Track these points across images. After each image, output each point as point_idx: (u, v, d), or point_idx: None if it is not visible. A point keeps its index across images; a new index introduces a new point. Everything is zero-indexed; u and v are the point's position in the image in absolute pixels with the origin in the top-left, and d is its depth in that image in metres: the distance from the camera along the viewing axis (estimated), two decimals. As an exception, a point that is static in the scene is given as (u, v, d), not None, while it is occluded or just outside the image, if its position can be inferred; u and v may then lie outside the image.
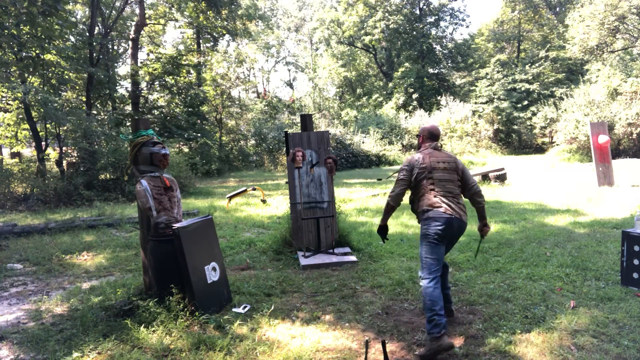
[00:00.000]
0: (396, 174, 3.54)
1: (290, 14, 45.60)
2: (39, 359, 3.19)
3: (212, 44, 24.21)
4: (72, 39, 15.17)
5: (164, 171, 4.00)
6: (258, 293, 4.36)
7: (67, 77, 13.90)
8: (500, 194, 10.76)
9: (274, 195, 12.32)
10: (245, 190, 11.15)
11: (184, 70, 20.72)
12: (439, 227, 3.21)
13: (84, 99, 16.06)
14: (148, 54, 22.20)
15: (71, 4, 15.94)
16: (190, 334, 3.37)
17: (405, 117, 27.23)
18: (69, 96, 16.72)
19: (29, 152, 18.97)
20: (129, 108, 19.96)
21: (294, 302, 4.15)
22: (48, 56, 11.85)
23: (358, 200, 10.72)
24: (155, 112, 20.72)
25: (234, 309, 3.94)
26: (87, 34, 15.77)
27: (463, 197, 3.46)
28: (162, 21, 22.16)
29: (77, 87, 16.55)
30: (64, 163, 13.55)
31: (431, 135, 3.53)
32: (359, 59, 39.04)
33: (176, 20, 22.04)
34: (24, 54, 9.61)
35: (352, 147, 22.82)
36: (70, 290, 4.77)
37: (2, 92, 12.18)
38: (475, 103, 29.39)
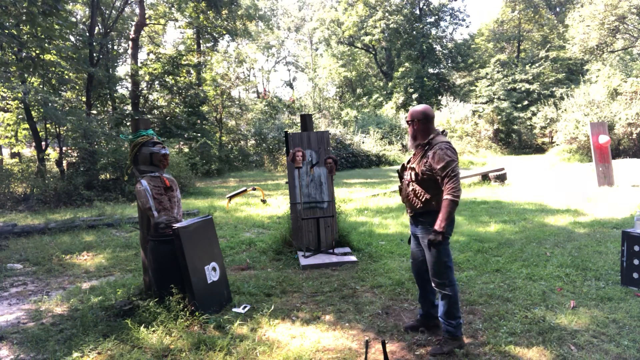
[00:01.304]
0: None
1: (290, 14, 45.61)
2: (39, 359, 3.19)
3: (212, 44, 24.21)
4: (72, 39, 15.17)
5: (164, 171, 4.01)
6: (258, 293, 4.36)
7: (67, 77, 13.90)
8: (500, 194, 10.75)
9: (274, 195, 12.32)
10: (245, 190, 11.15)
11: (184, 70, 20.73)
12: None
13: (84, 99, 16.07)
14: (148, 54, 22.22)
15: (71, 4, 15.94)
16: (190, 334, 3.37)
17: (405, 117, 27.23)
18: (69, 96, 16.72)
19: (29, 152, 18.97)
20: (129, 108, 19.97)
21: (294, 302, 4.15)
22: (48, 56, 11.85)
23: (358, 200, 10.72)
24: (155, 112, 20.74)
25: (234, 309, 3.94)
26: (87, 34, 15.78)
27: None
28: (162, 21, 22.17)
29: (77, 87, 16.55)
30: (64, 163, 13.55)
31: (430, 118, 3.14)
32: (359, 59, 39.04)
33: (176, 20, 22.05)
34: (24, 54, 9.60)
35: (352, 147, 22.82)
36: (70, 290, 4.77)
37: (2, 92, 12.18)
38: (475, 103, 29.38)
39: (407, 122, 3.19)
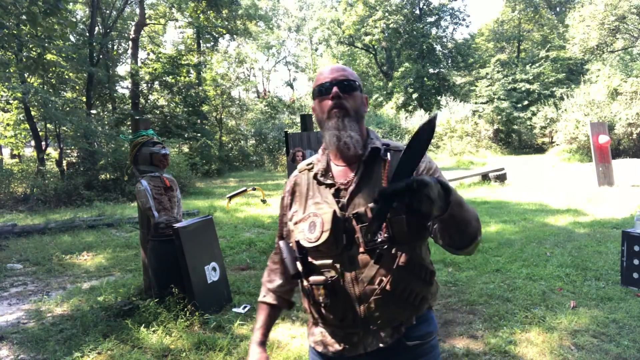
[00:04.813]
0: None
1: (290, 14, 45.63)
2: (39, 359, 3.19)
3: (212, 43, 24.21)
4: (72, 39, 15.17)
5: (164, 171, 4.01)
6: (258, 293, 4.35)
7: (67, 77, 13.90)
8: (500, 194, 10.75)
9: (274, 195, 12.32)
10: (245, 190, 11.14)
11: (184, 70, 20.73)
12: None
13: (84, 99, 16.07)
14: (148, 54, 22.21)
15: (71, 3, 15.94)
16: (190, 334, 3.37)
17: (406, 117, 27.24)
18: (69, 96, 16.73)
19: (29, 152, 18.98)
20: (129, 108, 19.97)
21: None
22: (48, 56, 11.85)
23: (358, 200, 10.70)
24: (156, 112, 20.73)
25: (234, 309, 3.94)
26: (87, 34, 15.78)
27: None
28: (162, 21, 22.16)
29: (77, 87, 16.55)
30: (64, 163, 13.55)
31: None
32: (359, 59, 39.03)
33: (176, 20, 22.05)
34: (25, 54, 9.61)
35: (352, 147, 22.76)
36: (70, 290, 4.77)
37: (3, 92, 12.18)
38: (475, 103, 29.35)
39: (339, 83, 1.40)
